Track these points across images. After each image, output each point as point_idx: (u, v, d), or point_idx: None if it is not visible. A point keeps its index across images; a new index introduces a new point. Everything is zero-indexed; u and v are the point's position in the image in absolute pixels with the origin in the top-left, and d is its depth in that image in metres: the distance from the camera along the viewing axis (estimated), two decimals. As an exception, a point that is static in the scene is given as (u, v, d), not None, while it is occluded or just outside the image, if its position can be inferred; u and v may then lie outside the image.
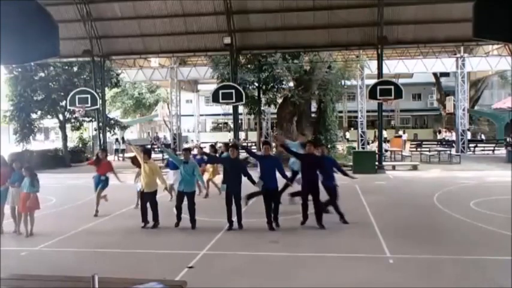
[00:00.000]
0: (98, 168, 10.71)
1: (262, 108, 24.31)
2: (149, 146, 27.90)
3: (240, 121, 34.58)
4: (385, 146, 23.46)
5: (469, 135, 29.42)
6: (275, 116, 24.52)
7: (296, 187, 9.61)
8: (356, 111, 31.68)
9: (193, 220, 9.01)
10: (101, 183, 10.54)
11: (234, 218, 8.91)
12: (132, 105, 40.86)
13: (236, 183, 8.83)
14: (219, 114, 43.38)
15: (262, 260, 6.95)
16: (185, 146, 30.68)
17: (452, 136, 29.41)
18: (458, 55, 27.85)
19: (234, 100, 19.37)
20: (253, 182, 8.82)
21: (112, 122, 25.35)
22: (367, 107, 30.10)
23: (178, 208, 9.04)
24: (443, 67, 29.14)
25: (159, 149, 24.43)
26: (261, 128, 24.52)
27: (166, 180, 9.78)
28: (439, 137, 34.30)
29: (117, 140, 27.95)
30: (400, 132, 35.47)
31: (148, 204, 9.19)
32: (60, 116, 23.73)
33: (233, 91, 19.25)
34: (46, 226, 8.90)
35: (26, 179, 8.62)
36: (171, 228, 9.08)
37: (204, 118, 48.11)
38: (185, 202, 9.03)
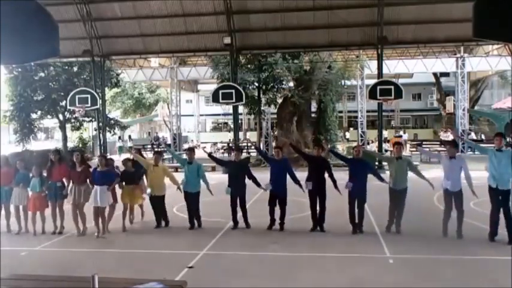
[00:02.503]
0: (51, 173, 8.74)
1: (262, 108, 24.29)
2: (149, 146, 28.02)
3: (240, 121, 34.56)
4: (385, 146, 23.42)
5: (473, 135, 29.35)
6: (275, 116, 24.51)
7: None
8: (356, 111, 31.67)
9: (198, 218, 9.03)
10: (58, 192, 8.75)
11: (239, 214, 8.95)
12: (132, 105, 40.81)
13: (240, 186, 8.81)
14: (219, 114, 43.33)
15: (262, 260, 6.95)
16: (185, 146, 30.69)
17: (449, 136, 29.32)
18: (458, 55, 27.82)
19: (234, 100, 19.33)
20: (258, 184, 8.81)
21: (112, 122, 25.35)
22: (367, 107, 30.08)
23: (190, 210, 9.01)
24: (443, 67, 29.12)
25: (161, 148, 24.44)
26: (261, 128, 24.48)
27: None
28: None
29: (120, 138, 27.84)
30: (401, 133, 35.39)
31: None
32: (60, 116, 23.73)
33: (233, 91, 19.21)
34: (46, 226, 8.88)
35: (34, 179, 8.64)
36: (171, 228, 9.11)
37: (204, 118, 48.08)
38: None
